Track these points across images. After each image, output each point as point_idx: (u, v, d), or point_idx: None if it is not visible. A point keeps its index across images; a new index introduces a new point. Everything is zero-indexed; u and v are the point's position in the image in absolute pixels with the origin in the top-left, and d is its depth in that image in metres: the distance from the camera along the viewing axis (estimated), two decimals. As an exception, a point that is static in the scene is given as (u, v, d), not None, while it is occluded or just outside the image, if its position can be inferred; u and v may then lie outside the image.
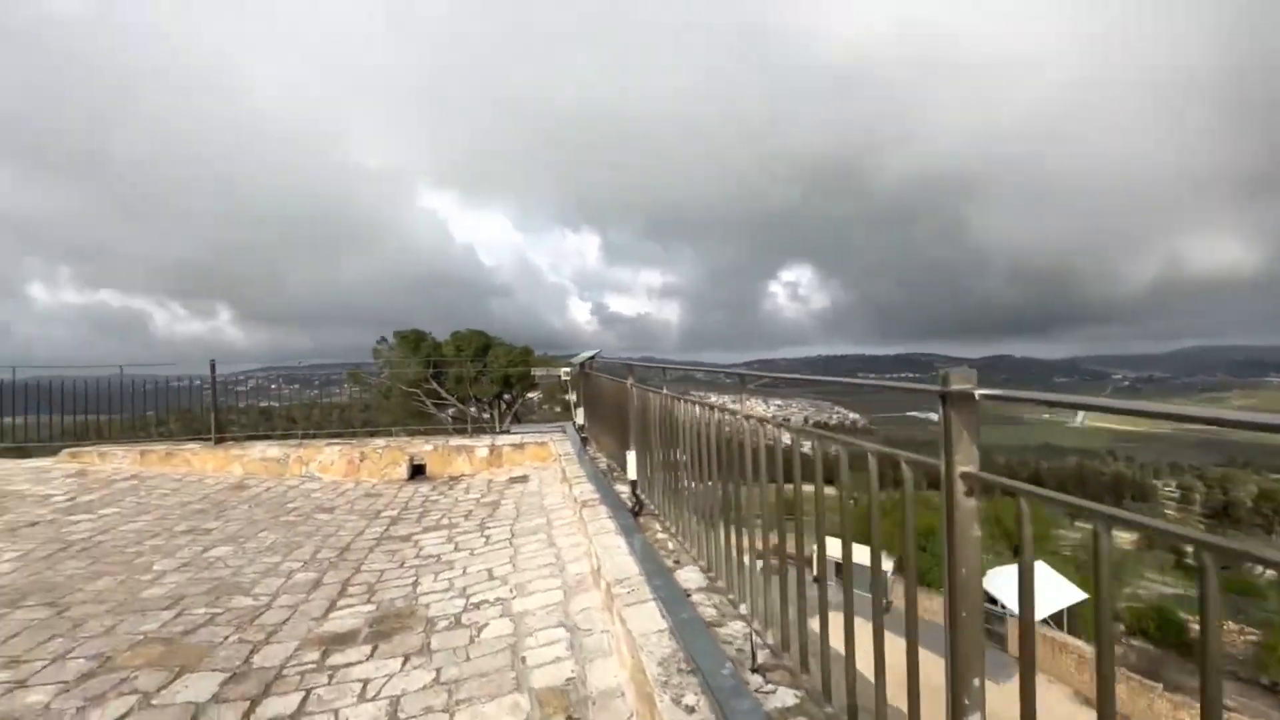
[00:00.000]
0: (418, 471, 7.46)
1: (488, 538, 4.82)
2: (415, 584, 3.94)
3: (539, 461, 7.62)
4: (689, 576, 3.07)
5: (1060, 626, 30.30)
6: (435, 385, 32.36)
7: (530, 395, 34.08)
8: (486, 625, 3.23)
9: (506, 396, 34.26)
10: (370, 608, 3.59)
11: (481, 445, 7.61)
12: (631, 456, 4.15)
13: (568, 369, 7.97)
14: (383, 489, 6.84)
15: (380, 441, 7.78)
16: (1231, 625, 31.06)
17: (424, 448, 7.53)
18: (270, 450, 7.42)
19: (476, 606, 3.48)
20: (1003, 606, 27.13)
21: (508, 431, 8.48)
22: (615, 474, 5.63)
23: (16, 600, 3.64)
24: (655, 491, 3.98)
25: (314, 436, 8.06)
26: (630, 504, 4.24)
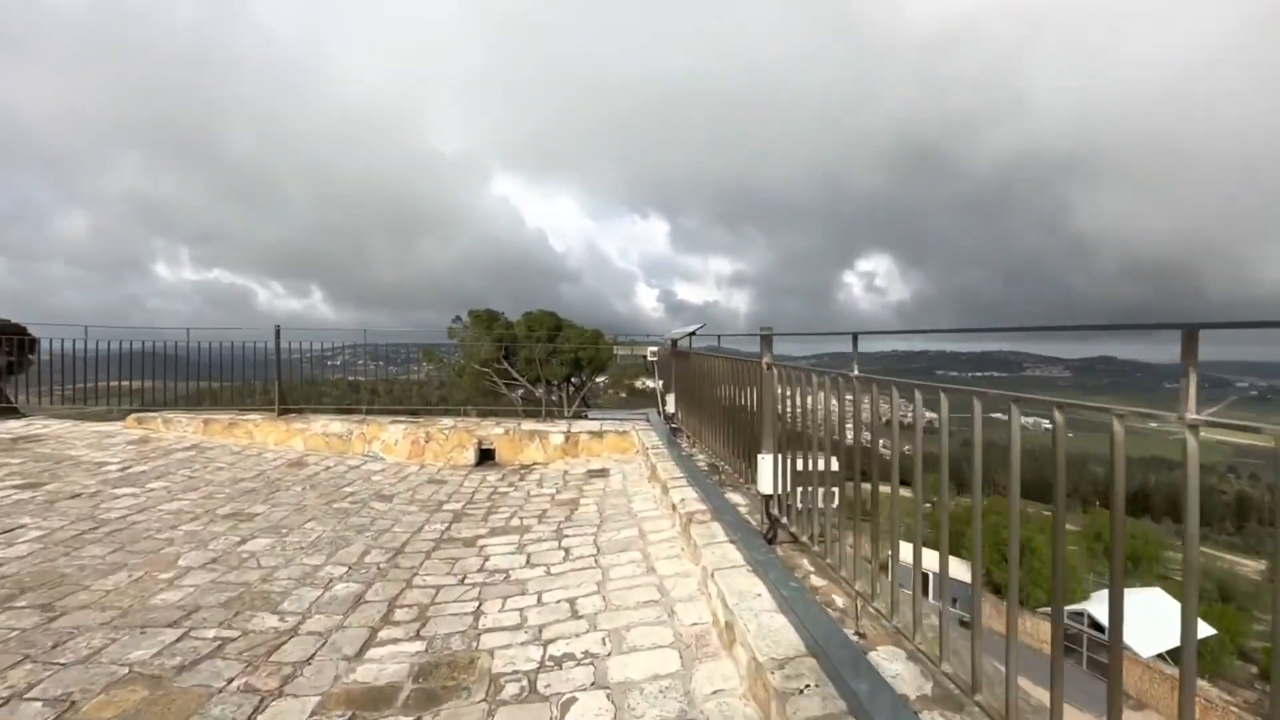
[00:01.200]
0: (486, 457, 6.67)
1: (567, 550, 3.85)
2: (478, 612, 3.01)
3: (620, 453, 6.65)
4: (895, 669, 1.93)
5: (1172, 661, 26.68)
6: (506, 365, 32.47)
7: (599, 379, 33.64)
8: (573, 700, 2.23)
9: (575, 379, 33.96)
10: (419, 646, 2.69)
11: (556, 431, 6.72)
12: (765, 462, 3.03)
13: (655, 348, 6.95)
14: (447, 475, 6.08)
15: (448, 421, 7.06)
16: None
17: (494, 431, 6.73)
18: (333, 425, 6.85)
19: (557, 663, 2.49)
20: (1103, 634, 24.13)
21: (584, 416, 7.56)
22: (722, 477, 4.53)
23: (9, 598, 3.00)
24: (801, 512, 2.85)
25: (379, 412, 7.45)
26: (762, 527, 3.13)
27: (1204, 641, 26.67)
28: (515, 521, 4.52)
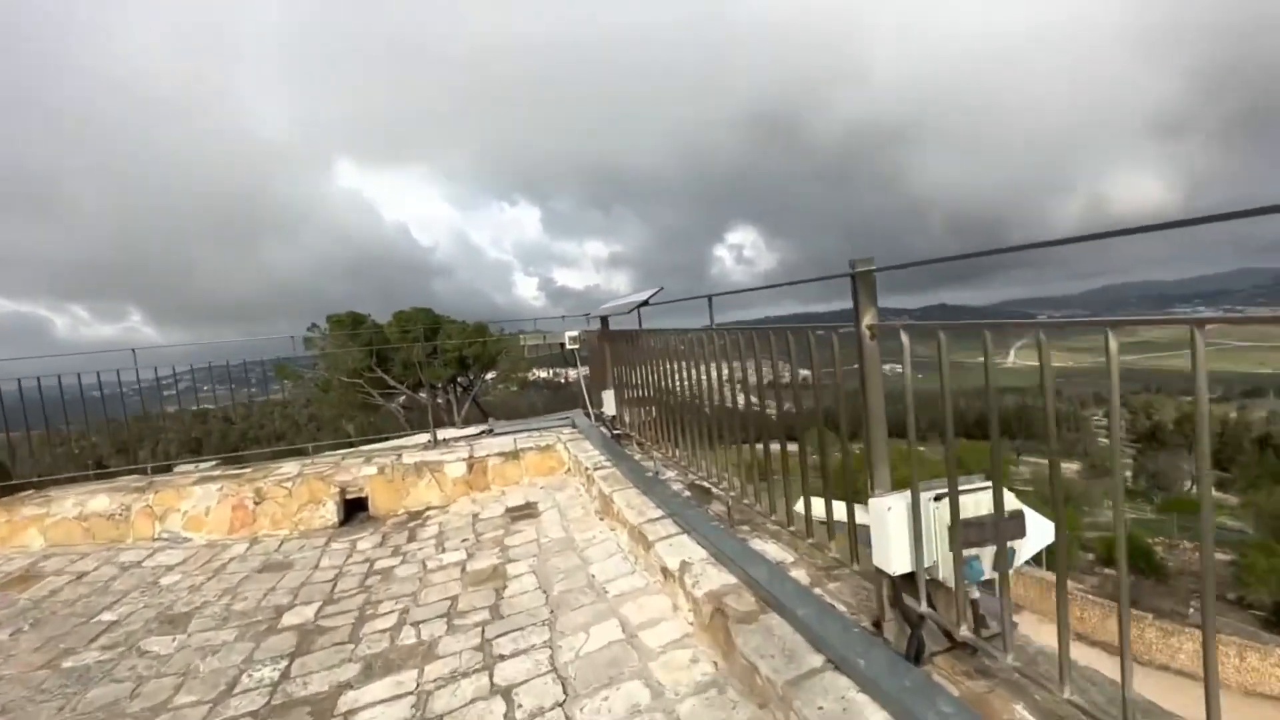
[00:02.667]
0: (356, 509, 4.71)
1: (507, 694, 2.21)
2: None
3: (546, 476, 5.00)
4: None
5: (1040, 564, 30.13)
6: (380, 373, 28.85)
7: (488, 376, 30.95)
8: None
9: (462, 379, 31.05)
10: None
11: (454, 459, 4.90)
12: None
13: (574, 334, 5.34)
14: (295, 551, 4.08)
15: (290, 468, 4.96)
16: (1188, 544, 31.86)
17: (363, 472, 4.76)
18: (95, 501, 4.47)
19: None
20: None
21: (491, 431, 5.78)
22: (730, 510, 3.08)
23: None
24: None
25: (168, 469, 5.11)
26: (910, 637, 1.71)
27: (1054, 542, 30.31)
28: (407, 635, 2.75)
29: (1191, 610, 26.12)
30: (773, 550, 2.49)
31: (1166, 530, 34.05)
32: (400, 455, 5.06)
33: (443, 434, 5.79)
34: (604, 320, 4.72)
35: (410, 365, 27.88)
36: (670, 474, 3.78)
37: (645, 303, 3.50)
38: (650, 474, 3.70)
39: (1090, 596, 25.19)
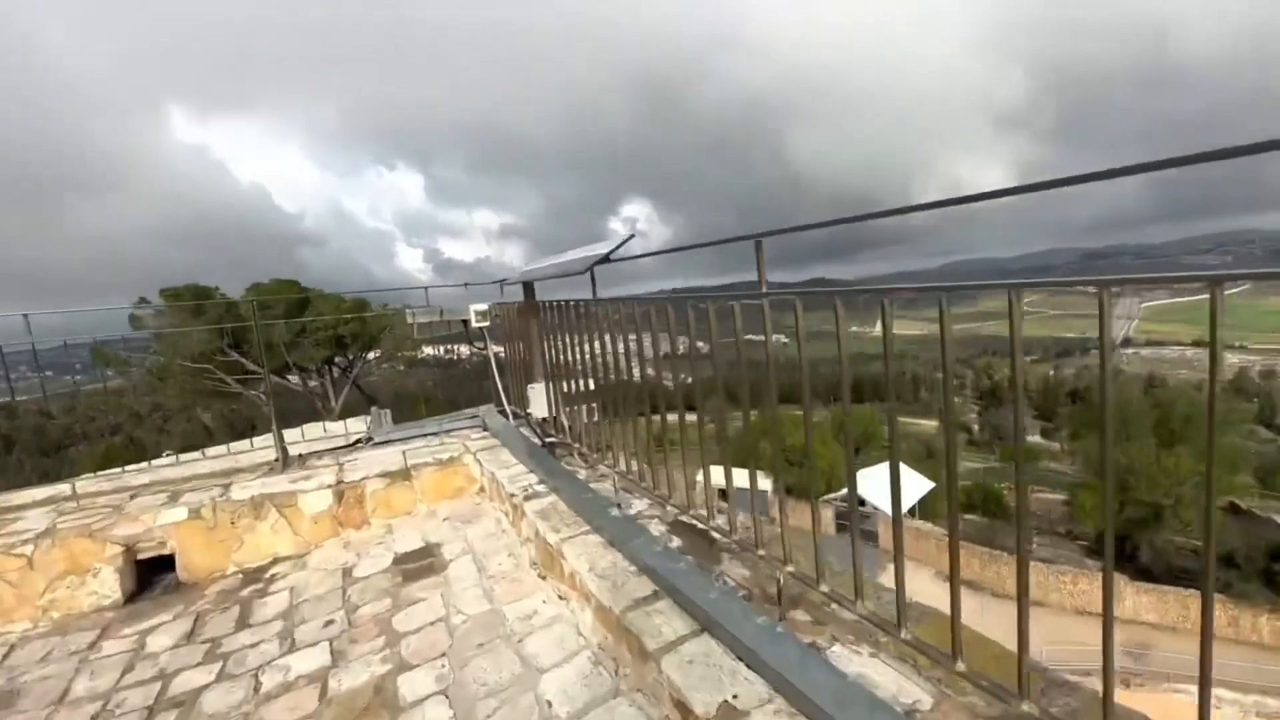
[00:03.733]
0: (157, 570, 3.14)
1: None
2: None
3: (451, 501, 3.69)
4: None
5: (914, 515, 32.82)
6: (237, 355, 24.82)
7: (370, 355, 27.70)
8: None
9: (340, 361, 27.62)
10: None
11: (314, 486, 3.43)
12: None
13: (483, 308, 3.97)
14: (34, 659, 2.52)
15: (35, 518, 3.21)
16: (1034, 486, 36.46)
17: (165, 517, 3.17)
18: None
19: None
20: (874, 506, 28.56)
21: (370, 441, 4.31)
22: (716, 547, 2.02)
23: None
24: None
25: None
26: None
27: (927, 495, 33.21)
28: None
29: (1034, 546, 29.68)
30: (881, 675, 1.47)
31: (1008, 476, 38.36)
32: (229, 486, 3.48)
33: (300, 446, 4.22)
34: (528, 288, 3.46)
35: (273, 345, 24.18)
36: (639, 504, 2.67)
37: (607, 258, 2.30)
38: (612, 505, 2.56)
39: (977, 546, 27.58)
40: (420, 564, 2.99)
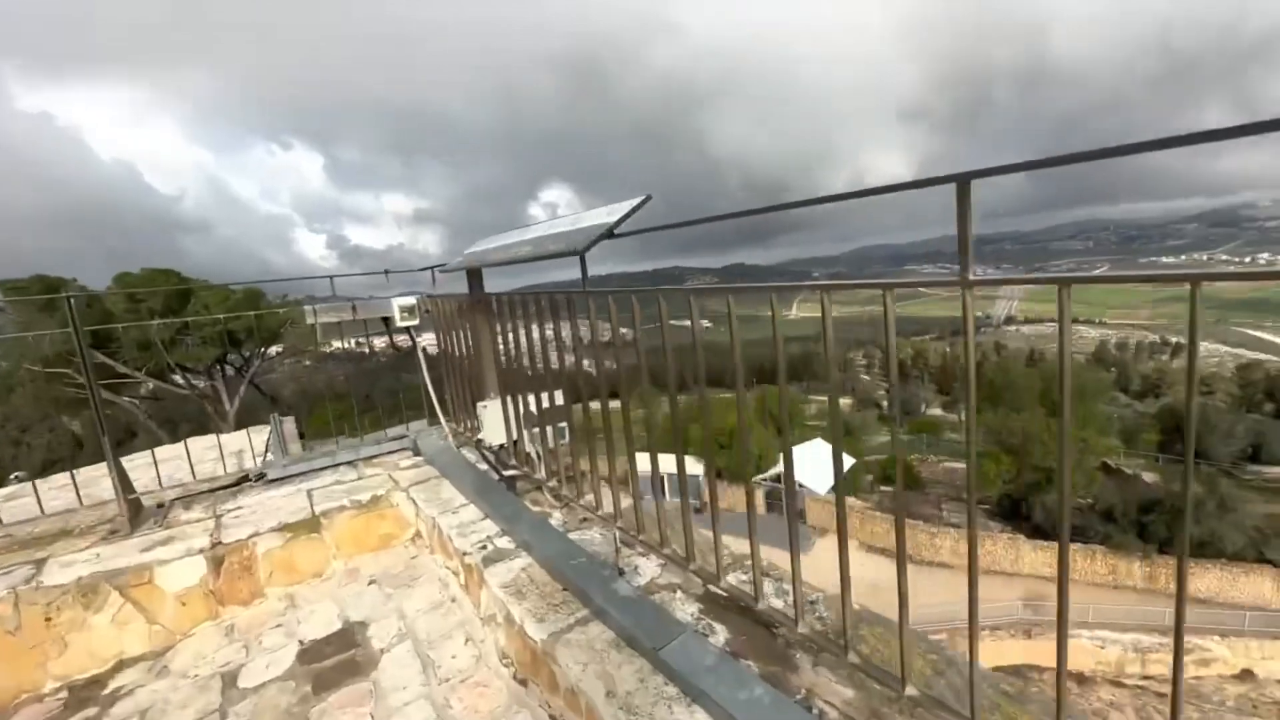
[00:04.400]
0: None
1: None
2: None
3: (375, 554, 2.86)
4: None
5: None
6: (105, 358, 21.54)
7: (272, 351, 24.90)
8: None
9: (234, 360, 24.71)
10: None
11: (178, 553, 2.49)
12: None
13: (410, 302, 3.07)
14: None
15: None
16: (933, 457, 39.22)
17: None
18: None
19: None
20: (801, 485, 29.51)
21: (263, 478, 3.33)
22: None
23: None
24: None
25: None
26: None
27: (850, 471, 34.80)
28: None
29: (944, 512, 31.79)
30: None
31: (917, 448, 40.86)
32: (43, 563, 2.46)
33: (158, 492, 3.17)
34: (475, 277, 2.66)
35: (149, 345, 21.12)
36: (646, 565, 2.00)
37: (611, 232, 1.58)
38: (609, 568, 1.88)
39: (873, 511, 29.01)
40: (338, 659, 2.18)
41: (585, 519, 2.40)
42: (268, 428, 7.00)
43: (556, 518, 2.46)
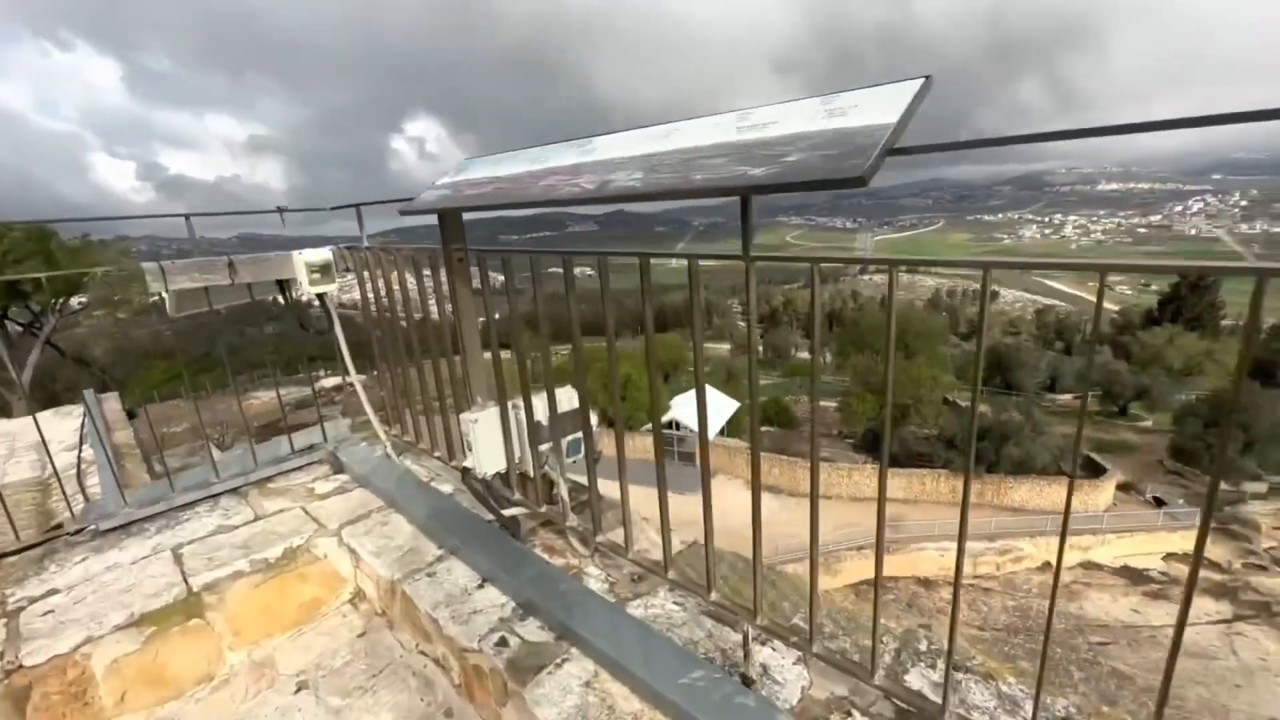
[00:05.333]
0: None
1: None
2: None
3: (298, 629, 1.94)
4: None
5: (723, 434, 35.99)
6: None
7: (77, 302, 19.93)
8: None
9: (22, 314, 19.55)
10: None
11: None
12: None
13: (322, 259, 2.05)
14: None
15: None
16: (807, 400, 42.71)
17: None
18: None
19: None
20: (687, 429, 30.58)
21: (91, 530, 2.17)
22: None
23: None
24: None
25: None
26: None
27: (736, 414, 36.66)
28: None
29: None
30: None
31: (790, 389, 43.93)
32: None
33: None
34: (449, 221, 1.71)
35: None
36: (782, 666, 1.37)
37: (892, 147, 0.90)
38: (729, 675, 1.24)
39: (774, 456, 30.81)
40: None
41: (638, 577, 1.70)
42: (78, 411, 5.21)
43: (595, 577, 1.73)
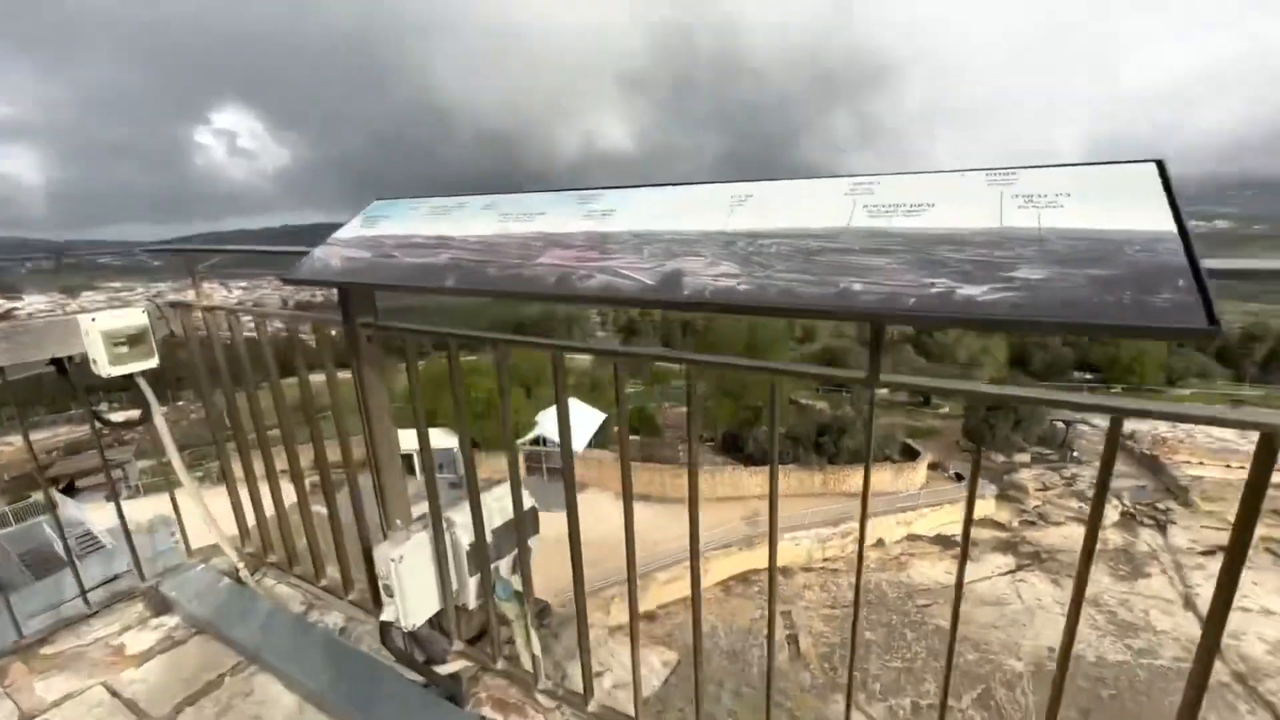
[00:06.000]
0: None
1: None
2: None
3: None
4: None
5: (591, 446, 36.09)
6: None
7: None
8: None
9: None
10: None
11: None
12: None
13: (135, 320, 1.34)
14: None
15: None
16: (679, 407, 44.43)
17: None
18: None
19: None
20: (554, 444, 30.18)
21: None
22: None
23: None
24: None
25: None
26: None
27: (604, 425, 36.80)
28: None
29: (680, 453, 36.04)
30: None
31: (654, 396, 45.29)
32: None
33: None
34: (355, 298, 1.19)
35: None
36: None
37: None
38: None
39: (643, 464, 31.32)
40: None
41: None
42: None
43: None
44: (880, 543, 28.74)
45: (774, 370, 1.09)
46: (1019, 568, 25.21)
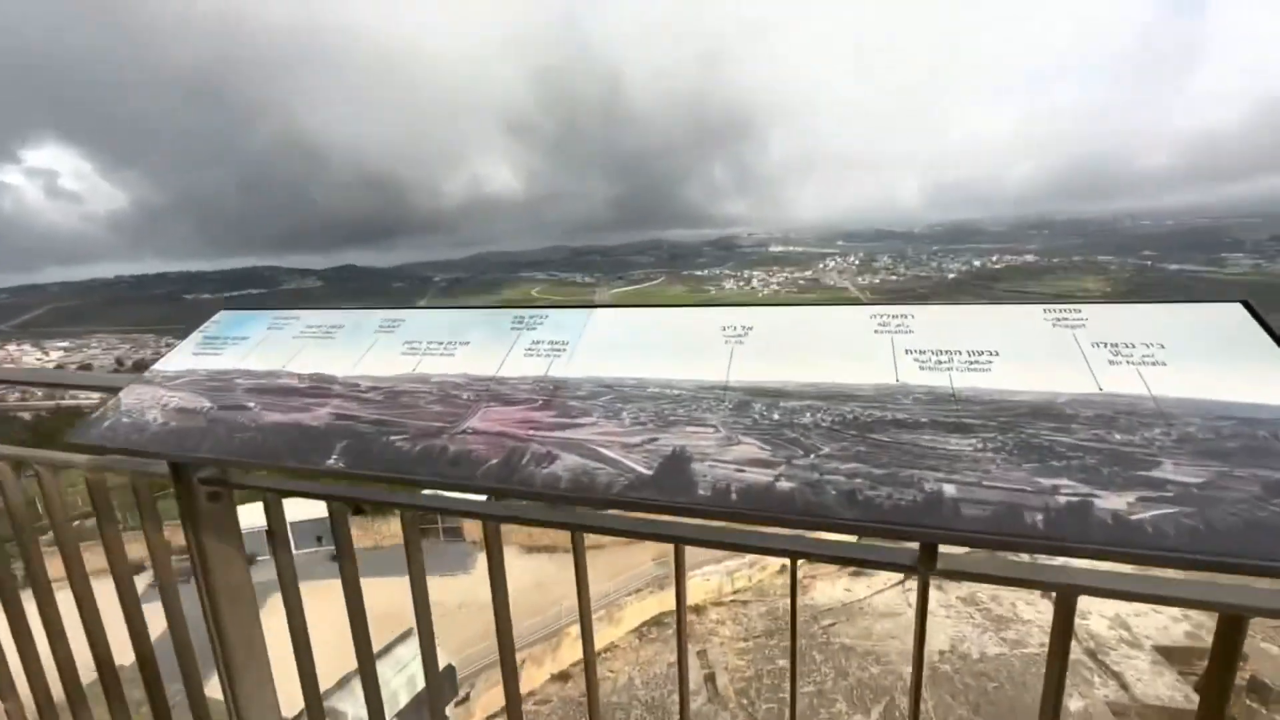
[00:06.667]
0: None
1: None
2: None
3: None
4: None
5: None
6: None
7: None
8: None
9: None
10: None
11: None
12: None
13: None
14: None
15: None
16: None
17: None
18: None
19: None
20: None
21: None
22: None
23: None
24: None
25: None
26: None
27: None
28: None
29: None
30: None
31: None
32: None
33: None
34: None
35: None
36: None
37: None
38: None
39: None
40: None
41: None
42: None
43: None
44: (783, 569, 29.70)
45: (794, 554, 0.75)
46: (905, 578, 27.03)
